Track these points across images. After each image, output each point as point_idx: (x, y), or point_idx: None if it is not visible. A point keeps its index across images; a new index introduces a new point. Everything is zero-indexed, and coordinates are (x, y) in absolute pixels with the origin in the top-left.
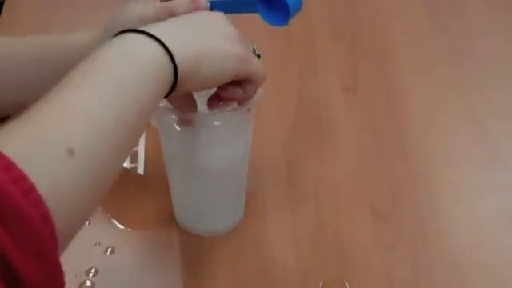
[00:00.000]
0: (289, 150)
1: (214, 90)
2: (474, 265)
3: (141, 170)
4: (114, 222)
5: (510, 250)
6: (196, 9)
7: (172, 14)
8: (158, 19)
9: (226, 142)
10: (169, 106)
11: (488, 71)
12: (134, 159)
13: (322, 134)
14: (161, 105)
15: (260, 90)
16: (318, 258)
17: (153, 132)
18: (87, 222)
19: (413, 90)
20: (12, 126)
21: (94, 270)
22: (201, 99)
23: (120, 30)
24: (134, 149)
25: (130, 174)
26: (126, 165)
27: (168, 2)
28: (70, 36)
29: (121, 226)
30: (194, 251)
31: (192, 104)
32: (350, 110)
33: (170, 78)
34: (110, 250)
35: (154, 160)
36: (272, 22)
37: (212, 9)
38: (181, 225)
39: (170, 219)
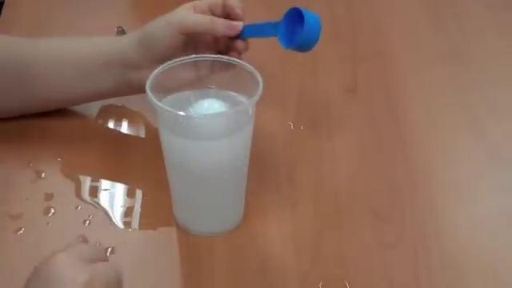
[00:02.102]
0: (289, 151)
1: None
2: (473, 265)
3: (141, 172)
4: (114, 222)
5: (510, 249)
6: (231, 26)
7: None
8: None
9: (225, 142)
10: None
11: (487, 71)
12: (134, 159)
13: (322, 134)
14: (160, 104)
15: (260, 91)
16: (318, 258)
17: (153, 133)
18: (87, 222)
19: (412, 90)
20: None
21: None
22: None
23: (150, 25)
24: (135, 148)
25: (131, 174)
26: (128, 166)
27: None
28: (94, 38)
29: (121, 226)
30: (194, 251)
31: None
32: (350, 110)
33: None
34: (110, 249)
35: (154, 161)
36: (282, 42)
37: (243, 32)
38: (181, 225)
39: (169, 219)
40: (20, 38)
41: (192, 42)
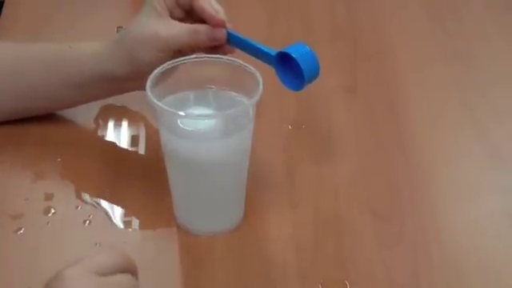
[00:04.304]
0: (289, 150)
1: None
2: (474, 265)
3: (141, 172)
4: (114, 222)
5: (511, 250)
6: (214, 39)
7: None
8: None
9: (226, 143)
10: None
11: (487, 72)
12: (134, 159)
13: (322, 134)
14: (160, 104)
15: (260, 91)
16: (318, 258)
17: (153, 133)
18: (87, 222)
19: (413, 90)
20: None
21: None
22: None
23: (133, 44)
24: (135, 148)
25: (131, 174)
26: (129, 166)
27: (189, 25)
28: (80, 47)
29: (121, 227)
30: (194, 251)
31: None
32: (349, 110)
33: None
34: None
35: (155, 161)
36: (286, 84)
37: (229, 40)
38: (181, 225)
39: (170, 220)
40: (11, 43)
41: (177, 51)
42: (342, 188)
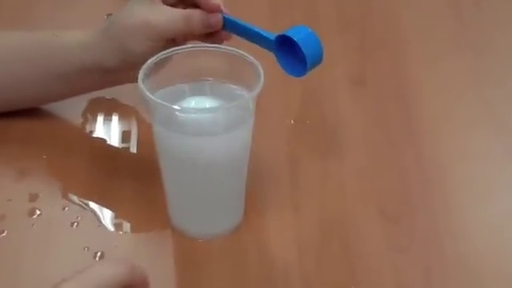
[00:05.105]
0: (292, 147)
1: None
2: (490, 270)
3: (133, 170)
4: (104, 224)
5: None
6: (209, 25)
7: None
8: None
9: (224, 138)
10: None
11: (504, 63)
12: (125, 156)
13: (328, 129)
14: (153, 98)
15: (261, 83)
16: (323, 262)
17: (146, 128)
18: (75, 225)
19: (426, 83)
20: None
21: None
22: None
23: (123, 33)
24: (126, 145)
25: (122, 173)
26: (119, 163)
27: (181, 11)
28: (66, 35)
29: (111, 229)
30: (190, 256)
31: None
32: (358, 104)
33: None
34: (99, 254)
35: (147, 158)
36: (287, 70)
37: (225, 26)
38: (176, 228)
39: (164, 222)
40: None
41: (169, 39)
42: (349, 187)
